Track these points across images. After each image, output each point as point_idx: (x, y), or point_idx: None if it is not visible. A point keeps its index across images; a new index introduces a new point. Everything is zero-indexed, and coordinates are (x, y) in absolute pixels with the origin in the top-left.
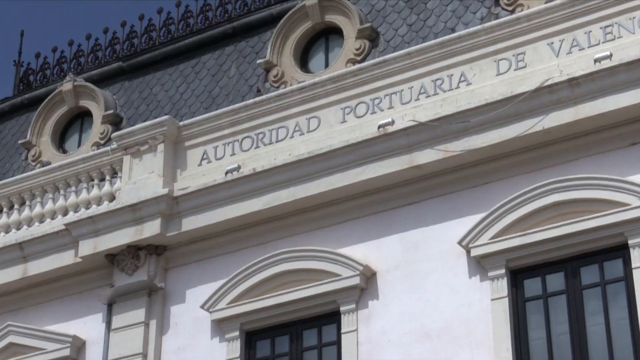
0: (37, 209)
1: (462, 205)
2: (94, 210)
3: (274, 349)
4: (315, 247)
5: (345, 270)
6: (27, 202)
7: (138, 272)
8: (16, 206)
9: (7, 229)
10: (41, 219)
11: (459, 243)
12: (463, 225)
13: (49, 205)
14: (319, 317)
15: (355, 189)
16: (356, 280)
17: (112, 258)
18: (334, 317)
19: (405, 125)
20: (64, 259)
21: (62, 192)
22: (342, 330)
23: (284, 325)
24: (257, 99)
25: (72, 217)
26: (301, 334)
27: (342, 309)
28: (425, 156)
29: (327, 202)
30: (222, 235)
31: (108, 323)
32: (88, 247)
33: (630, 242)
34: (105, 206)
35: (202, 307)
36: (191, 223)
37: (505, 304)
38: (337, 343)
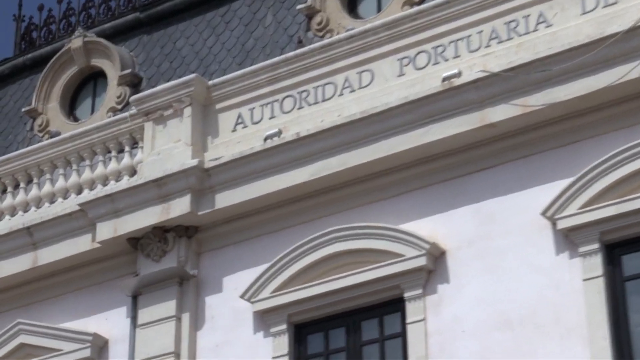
0: (47, 188)
1: (545, 170)
2: (113, 187)
3: (328, 343)
4: (373, 224)
5: (409, 249)
6: (35, 180)
7: (166, 258)
8: (22, 185)
9: (12, 212)
10: (52, 199)
11: (543, 214)
12: (547, 192)
13: (60, 183)
14: (380, 306)
15: (417, 153)
16: (422, 261)
17: (136, 242)
18: (397, 305)
19: (475, 77)
20: (80, 244)
21: (74, 166)
22: (408, 320)
23: (339, 315)
24: (299, 51)
25: (87, 195)
26: (359, 326)
27: (406, 295)
28: (500, 112)
29: (385, 170)
30: (262, 213)
31: (133, 318)
32: (107, 230)
33: None
34: (126, 182)
35: (242, 296)
36: (226, 199)
37: (600, 285)
38: (402, 335)
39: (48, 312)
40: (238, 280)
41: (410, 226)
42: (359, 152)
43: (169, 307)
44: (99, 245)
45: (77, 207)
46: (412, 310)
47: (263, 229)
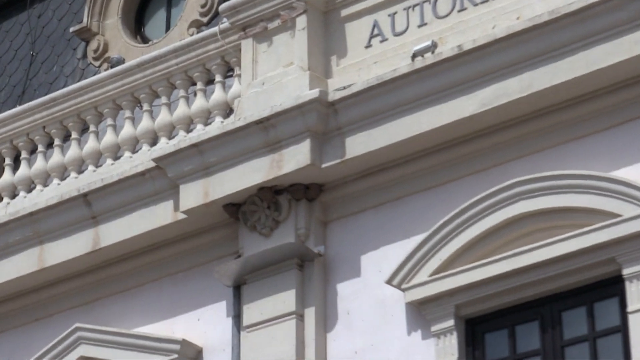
0: (109, 138)
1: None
2: (200, 133)
3: (515, 345)
4: (574, 171)
5: (628, 207)
6: (92, 128)
7: (279, 231)
8: (75, 135)
9: (63, 174)
10: (115, 153)
11: (388, 282)
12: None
13: (127, 130)
14: (588, 289)
15: (636, 66)
16: None
17: (236, 210)
18: (613, 288)
19: None
20: (157, 216)
21: (145, 106)
22: (629, 309)
23: (529, 305)
24: None
25: (164, 147)
26: (559, 319)
27: (625, 272)
28: None
29: (588, 94)
30: (413, 162)
31: (236, 317)
32: (195, 194)
33: None
34: (218, 126)
35: (388, 282)
36: (361, 144)
37: None
38: (622, 330)
39: (117, 313)
40: (382, 260)
41: (627, 173)
42: (549, 70)
43: (286, 300)
44: (184, 216)
45: (152, 164)
46: (635, 294)
47: (414, 185)
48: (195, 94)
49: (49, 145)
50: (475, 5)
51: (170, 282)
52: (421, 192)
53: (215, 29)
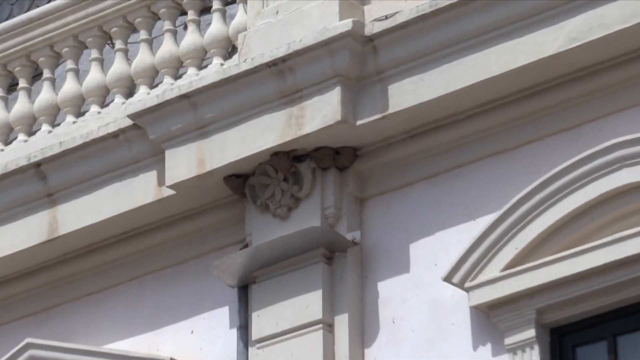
0: (69, 87)
1: None
2: (193, 80)
3: None
4: None
5: None
6: (46, 74)
7: (300, 212)
8: (23, 83)
9: (7, 136)
10: (78, 108)
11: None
12: None
13: (94, 77)
14: None
15: None
16: None
17: (241, 184)
18: None
19: None
20: (135, 193)
21: (118, 44)
22: None
23: (633, 308)
24: None
25: (144, 98)
26: None
27: None
28: None
29: None
30: (477, 118)
31: (243, 329)
32: (185, 162)
33: None
34: (217, 69)
35: (447, 279)
36: (408, 93)
37: None
38: None
39: (82, 324)
40: (438, 250)
41: None
42: None
43: (309, 304)
44: (171, 192)
45: (127, 122)
46: None
47: (480, 148)
48: (185, 27)
49: None
50: None
51: (154, 282)
52: (489, 157)
53: None
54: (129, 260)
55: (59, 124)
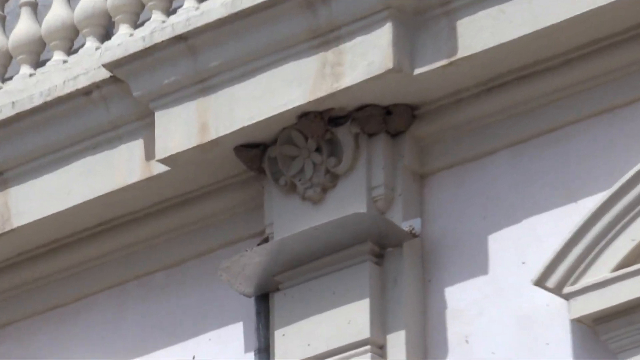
0: (24, 26)
1: None
2: (191, 15)
3: None
4: None
5: None
6: None
7: (338, 193)
8: None
9: None
10: (36, 56)
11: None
12: None
13: (57, 12)
14: None
15: None
16: None
17: (258, 156)
18: None
19: None
20: (115, 170)
21: None
22: None
23: None
24: None
25: (125, 42)
26: None
27: None
28: None
29: None
30: (579, 63)
31: (262, 352)
32: (182, 128)
33: None
34: (224, 2)
35: (539, 283)
36: (484, 31)
37: None
38: None
39: (45, 345)
40: (526, 243)
41: None
42: None
43: (353, 318)
44: (164, 168)
45: (103, 74)
46: None
47: (581, 105)
48: None
49: None
50: None
51: (141, 289)
52: (594, 117)
53: None
54: (107, 261)
55: (10, 78)
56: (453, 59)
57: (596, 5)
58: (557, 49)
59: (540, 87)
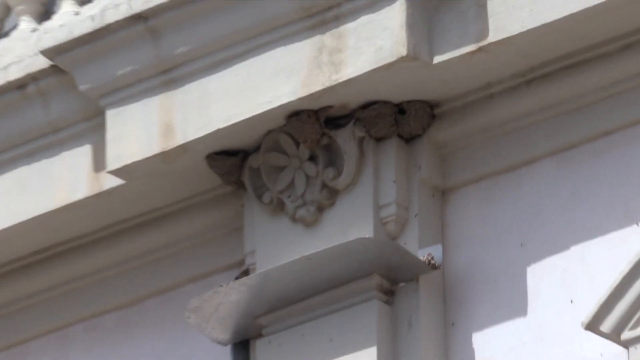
0: None
1: None
2: None
3: None
4: None
5: None
6: None
7: (337, 213)
8: None
9: None
10: None
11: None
12: None
13: None
14: None
15: None
16: None
17: (237, 166)
18: None
19: None
20: (57, 184)
21: None
22: None
23: None
24: None
25: (69, 22)
26: None
27: None
28: None
29: None
30: None
31: None
32: (141, 130)
33: None
34: None
35: (590, 327)
36: (519, 10)
37: None
38: None
39: None
40: (573, 276)
41: None
42: None
43: None
44: (117, 182)
45: (42, 63)
46: None
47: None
48: None
49: None
50: None
51: (87, 335)
52: None
53: None
54: (45, 299)
55: None
56: (482, 43)
57: None
58: (616, 31)
59: (594, 79)
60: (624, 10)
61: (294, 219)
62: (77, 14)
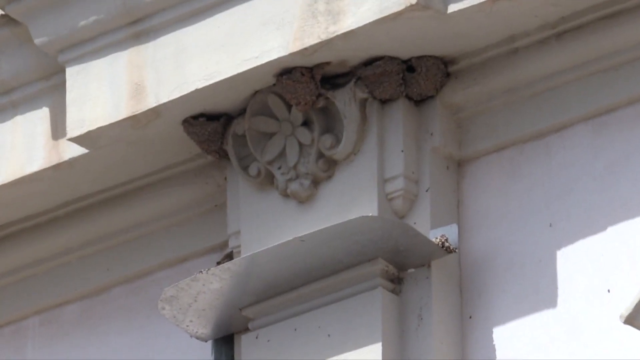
0: None
1: None
2: None
3: None
4: None
5: None
6: None
7: (335, 187)
8: None
9: None
10: None
11: None
12: None
13: None
14: None
15: None
16: None
17: (219, 132)
18: None
19: None
20: (3, 156)
21: None
22: None
23: None
24: None
25: None
26: None
27: None
28: None
29: None
30: None
31: None
32: (106, 93)
33: None
34: None
35: (629, 321)
36: None
37: None
38: None
39: None
40: (611, 263)
41: None
42: None
43: None
44: (79, 151)
45: None
46: None
47: None
48: None
49: None
50: None
51: (48, 327)
52: None
53: None
54: (7, 285)
55: None
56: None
57: None
58: None
59: (634, 31)
60: None
61: (285, 194)
62: None
